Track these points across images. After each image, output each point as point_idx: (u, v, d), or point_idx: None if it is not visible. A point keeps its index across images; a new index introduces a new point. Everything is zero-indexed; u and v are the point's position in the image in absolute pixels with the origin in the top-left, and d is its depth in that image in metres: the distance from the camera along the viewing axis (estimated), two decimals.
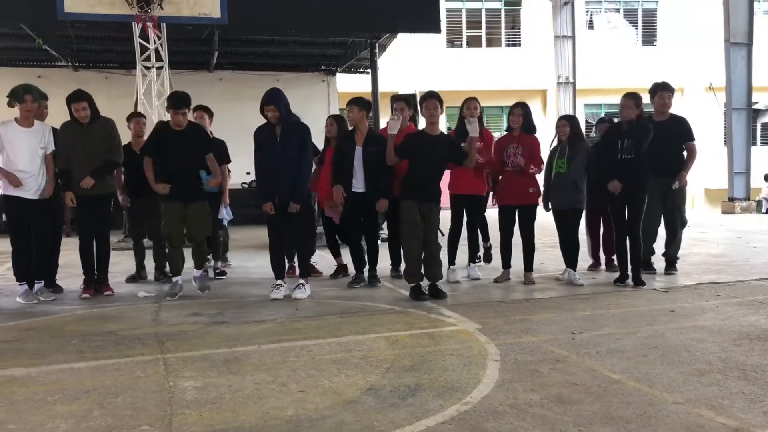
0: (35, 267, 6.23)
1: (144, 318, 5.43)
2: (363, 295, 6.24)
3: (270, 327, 5.00)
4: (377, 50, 15.42)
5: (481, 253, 7.54)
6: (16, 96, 5.94)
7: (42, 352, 4.40)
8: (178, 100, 6.10)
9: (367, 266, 6.72)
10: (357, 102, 6.49)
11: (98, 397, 3.43)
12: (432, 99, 5.95)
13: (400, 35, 15.55)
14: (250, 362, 4.02)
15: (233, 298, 6.21)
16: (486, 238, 7.56)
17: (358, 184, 6.42)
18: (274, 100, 5.86)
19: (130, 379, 3.74)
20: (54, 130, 6.22)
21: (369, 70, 16.27)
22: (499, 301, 5.93)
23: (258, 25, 13.48)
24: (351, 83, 19.74)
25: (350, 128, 6.63)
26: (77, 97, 6.09)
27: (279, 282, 6.13)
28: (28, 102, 5.95)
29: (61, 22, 11.50)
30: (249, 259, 8.89)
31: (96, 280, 6.41)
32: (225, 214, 7.54)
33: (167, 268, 6.68)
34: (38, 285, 6.28)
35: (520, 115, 6.66)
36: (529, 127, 6.68)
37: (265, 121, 5.98)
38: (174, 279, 6.30)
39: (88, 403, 3.34)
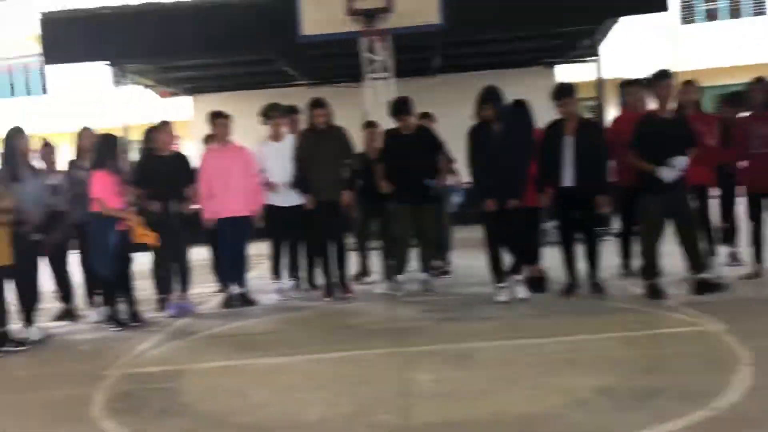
0: (291, 268, 6.91)
1: (381, 314, 5.78)
2: (593, 294, 6.02)
3: (499, 324, 5.05)
4: (599, 36, 14.75)
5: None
6: (265, 113, 6.69)
7: (296, 343, 4.91)
8: (397, 106, 6.44)
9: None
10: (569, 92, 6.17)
11: (344, 385, 3.75)
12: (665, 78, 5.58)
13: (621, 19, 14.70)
14: (482, 358, 4.11)
15: (461, 296, 6.36)
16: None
17: (567, 178, 5.80)
18: (488, 97, 5.82)
19: (371, 370, 4.03)
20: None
21: (592, 58, 15.63)
22: (749, 299, 5.37)
23: (479, 26, 13.59)
24: (573, 73, 19.11)
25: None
26: (317, 105, 6.57)
27: (501, 284, 5.91)
28: (275, 118, 6.65)
29: (301, 44, 12.63)
30: (474, 257, 8.99)
31: (337, 283, 6.61)
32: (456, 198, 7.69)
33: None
34: (290, 283, 6.91)
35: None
36: None
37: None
38: (398, 278, 6.50)
39: (335, 390, 3.67)
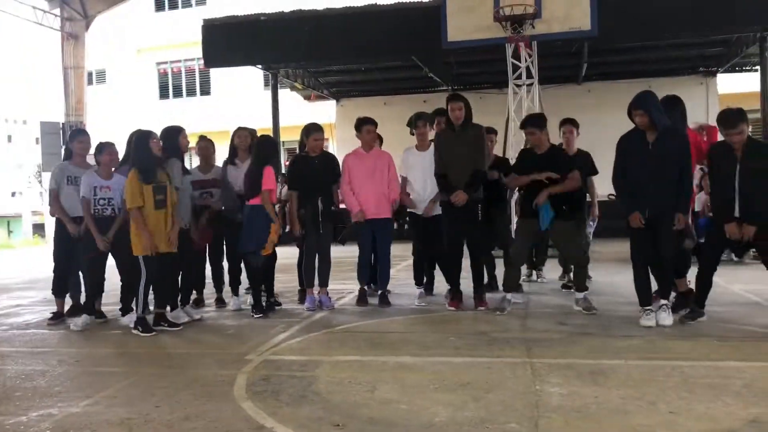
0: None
1: (513, 323, 5.71)
2: (742, 317, 5.60)
3: (638, 343, 4.83)
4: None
5: None
6: (410, 123, 6.75)
7: (427, 345, 4.97)
8: (529, 120, 6.30)
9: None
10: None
11: (472, 390, 3.75)
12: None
13: None
14: (616, 376, 3.95)
15: (599, 311, 6.13)
16: None
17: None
18: (642, 104, 5.30)
19: (500, 378, 4.00)
20: None
21: (758, 68, 14.48)
22: None
23: (631, 33, 13.06)
24: (734, 83, 17.80)
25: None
26: (454, 98, 6.35)
27: (648, 308, 5.46)
28: (420, 127, 6.67)
29: (445, 50, 12.72)
30: (615, 272, 8.66)
31: (474, 295, 6.46)
32: (589, 227, 7.46)
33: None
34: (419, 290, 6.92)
35: None
36: None
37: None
38: (507, 295, 6.23)
39: (463, 395, 3.68)
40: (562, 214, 5.99)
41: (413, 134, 6.73)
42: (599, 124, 13.04)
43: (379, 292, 6.71)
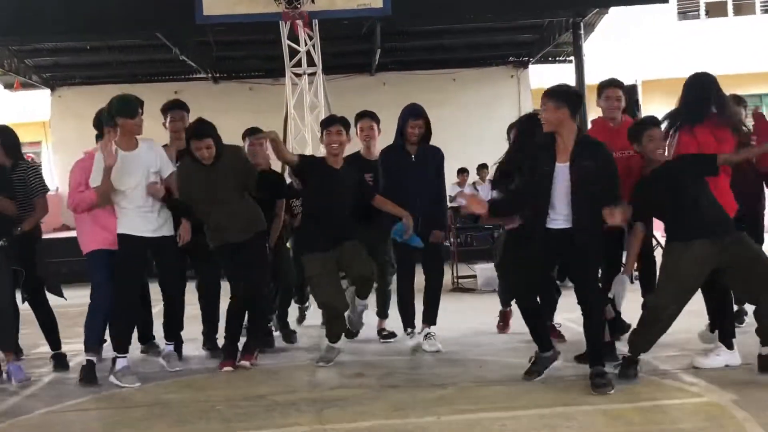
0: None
1: (299, 379, 5.71)
2: (569, 354, 6.10)
3: (451, 393, 5.05)
4: (582, 31, 15.20)
5: None
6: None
7: (183, 419, 4.78)
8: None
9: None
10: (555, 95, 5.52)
11: None
12: None
13: (612, 9, 15.18)
14: None
15: (403, 355, 6.33)
16: None
17: (558, 217, 5.31)
18: (423, 112, 6.33)
19: None
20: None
21: (572, 58, 16.06)
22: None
23: (429, 13, 13.80)
24: (548, 76, 19.51)
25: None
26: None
27: (409, 330, 6.55)
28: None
29: (200, 27, 12.55)
30: None
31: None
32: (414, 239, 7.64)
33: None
34: (168, 347, 6.62)
35: None
36: None
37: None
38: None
39: None
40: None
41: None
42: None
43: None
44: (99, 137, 6.12)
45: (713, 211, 5.20)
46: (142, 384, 5.68)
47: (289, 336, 7.15)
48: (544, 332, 5.45)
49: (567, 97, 5.22)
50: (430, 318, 6.55)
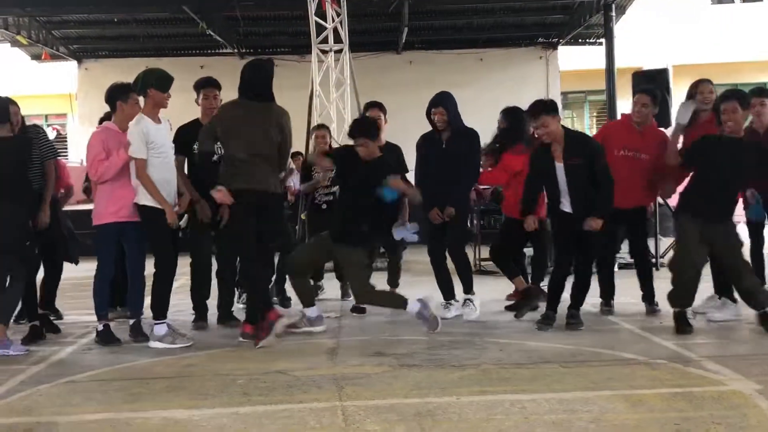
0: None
1: (319, 356, 5.75)
2: (592, 338, 6.11)
3: (472, 374, 5.07)
4: (614, 13, 15.06)
5: None
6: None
7: (204, 392, 4.84)
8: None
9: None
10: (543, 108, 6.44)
11: None
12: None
13: None
14: (447, 417, 4.11)
15: (425, 335, 6.36)
16: None
17: (566, 203, 6.45)
18: (442, 101, 6.66)
19: (302, 430, 3.99)
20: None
21: (602, 41, 15.93)
22: None
23: None
24: (577, 59, 19.39)
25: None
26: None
27: (450, 301, 7.06)
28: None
29: (228, 1, 12.57)
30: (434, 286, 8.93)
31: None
32: (407, 234, 7.62)
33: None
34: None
35: None
36: None
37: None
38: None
39: None
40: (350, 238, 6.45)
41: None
42: (423, 102, 13.55)
43: (132, 321, 6.41)
44: (111, 112, 6.47)
45: None
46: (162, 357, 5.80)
47: (285, 302, 7.71)
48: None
49: (555, 107, 6.39)
50: (465, 288, 7.10)
